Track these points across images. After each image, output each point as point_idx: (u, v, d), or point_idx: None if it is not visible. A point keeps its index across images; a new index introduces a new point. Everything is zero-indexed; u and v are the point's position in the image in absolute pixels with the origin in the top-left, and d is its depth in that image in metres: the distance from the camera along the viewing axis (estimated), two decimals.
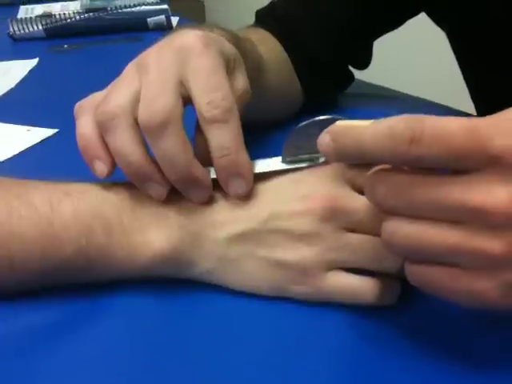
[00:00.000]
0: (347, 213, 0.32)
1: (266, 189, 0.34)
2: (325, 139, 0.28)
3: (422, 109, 0.67)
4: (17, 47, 0.94)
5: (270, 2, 0.64)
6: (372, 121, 0.26)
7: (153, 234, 0.32)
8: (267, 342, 0.32)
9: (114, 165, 0.33)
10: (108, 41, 0.95)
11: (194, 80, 0.32)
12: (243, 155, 0.33)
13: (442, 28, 0.63)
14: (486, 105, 0.65)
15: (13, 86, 0.73)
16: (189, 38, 0.33)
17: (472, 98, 0.67)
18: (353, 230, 0.32)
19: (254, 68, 0.51)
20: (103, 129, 0.32)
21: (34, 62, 0.83)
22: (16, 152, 0.53)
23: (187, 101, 0.33)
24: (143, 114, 0.31)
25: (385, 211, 0.27)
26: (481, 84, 0.64)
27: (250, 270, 0.33)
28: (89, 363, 0.30)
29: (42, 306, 0.33)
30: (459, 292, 0.26)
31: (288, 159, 0.34)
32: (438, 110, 0.67)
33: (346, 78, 0.63)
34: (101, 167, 0.33)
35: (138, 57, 0.35)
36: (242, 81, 0.36)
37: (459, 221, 0.25)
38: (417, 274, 0.28)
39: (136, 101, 0.32)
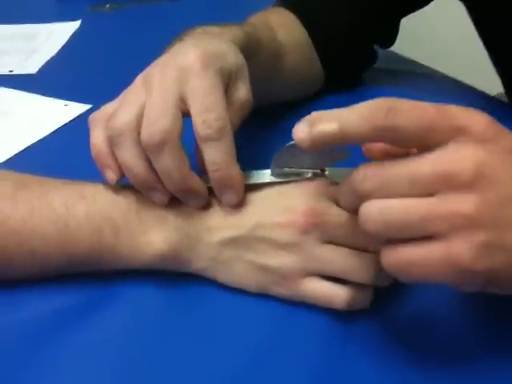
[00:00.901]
0: (326, 227, 0.35)
1: (255, 199, 0.38)
2: (300, 126, 0.31)
3: (446, 88, 0.68)
4: (60, 6, 0.97)
5: None
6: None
7: (154, 235, 0.37)
8: (249, 332, 0.37)
9: (122, 173, 0.37)
10: (148, 1, 0.97)
11: (192, 100, 0.36)
12: (234, 169, 0.36)
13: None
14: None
15: (54, 53, 0.77)
16: (189, 58, 0.36)
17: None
18: (331, 242, 0.36)
19: (272, 55, 0.53)
20: (112, 143, 0.36)
21: (76, 24, 0.87)
22: (54, 128, 0.58)
23: (188, 114, 0.37)
24: (144, 134, 0.35)
25: (363, 196, 0.30)
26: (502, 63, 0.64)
27: (238, 271, 0.37)
28: (96, 348, 0.35)
29: (54, 293, 0.38)
30: (434, 263, 0.29)
31: (277, 173, 0.37)
32: (463, 91, 0.68)
33: (369, 57, 0.64)
34: (111, 175, 0.37)
35: (145, 71, 0.38)
36: (243, 90, 0.39)
37: (431, 193, 0.29)
38: (393, 257, 0.30)
39: (141, 116, 0.36)
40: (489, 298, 0.35)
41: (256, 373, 0.35)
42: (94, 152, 0.37)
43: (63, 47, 0.79)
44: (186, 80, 0.36)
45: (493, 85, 0.69)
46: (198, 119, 0.35)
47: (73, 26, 0.86)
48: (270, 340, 0.36)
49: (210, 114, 0.35)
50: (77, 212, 0.37)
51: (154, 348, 0.36)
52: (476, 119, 0.29)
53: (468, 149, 0.29)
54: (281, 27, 0.57)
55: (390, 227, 0.30)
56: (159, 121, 0.35)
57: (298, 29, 0.60)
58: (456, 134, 0.29)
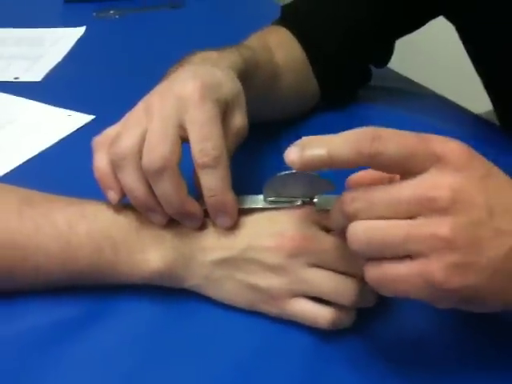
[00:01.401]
0: (312, 252, 0.38)
1: (247, 222, 0.40)
2: (292, 149, 0.33)
3: (436, 108, 0.70)
4: (66, 11, 0.99)
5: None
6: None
7: (152, 253, 0.39)
8: (239, 347, 0.39)
9: (123, 194, 0.39)
10: (151, 7, 0.99)
11: (190, 129, 0.38)
12: (229, 196, 0.38)
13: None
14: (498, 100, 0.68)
15: (59, 60, 0.79)
16: (188, 89, 0.38)
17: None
18: (317, 265, 0.38)
19: (269, 77, 0.56)
20: (115, 166, 0.38)
21: (81, 30, 0.89)
22: (57, 139, 0.60)
23: (187, 140, 0.39)
24: (145, 160, 0.37)
25: (350, 216, 0.33)
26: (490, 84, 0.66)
27: (229, 289, 0.40)
28: (94, 360, 0.38)
29: (58, 304, 0.41)
30: (411, 279, 0.31)
31: (269, 199, 0.40)
32: (452, 111, 0.70)
33: (364, 75, 0.66)
34: (112, 196, 0.39)
35: (145, 98, 0.40)
36: (239, 118, 0.42)
37: (412, 215, 0.31)
38: (375, 272, 0.33)
39: (142, 141, 0.38)
40: (469, 315, 0.37)
41: None
42: (97, 174, 0.40)
43: (68, 54, 0.81)
44: (184, 109, 0.38)
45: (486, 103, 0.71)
46: (195, 147, 0.38)
47: (78, 31, 0.88)
48: (258, 354, 0.39)
49: (207, 143, 0.37)
50: (78, 230, 0.39)
51: (148, 360, 0.38)
52: (451, 147, 0.32)
53: (445, 176, 0.31)
54: (279, 47, 0.60)
55: (373, 246, 0.32)
56: (159, 148, 0.37)
57: (296, 48, 0.62)
58: (435, 160, 0.31)
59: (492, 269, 0.31)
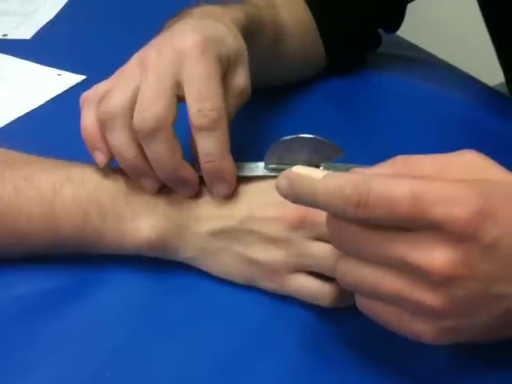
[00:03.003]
0: (315, 224, 0.35)
1: (247, 191, 0.37)
2: (282, 183, 0.30)
3: (445, 77, 0.67)
4: None
5: None
6: (325, 173, 0.28)
7: (142, 222, 0.36)
8: (235, 323, 0.37)
9: (112, 156, 0.36)
10: None
11: (188, 87, 0.35)
12: (227, 162, 0.35)
13: None
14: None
15: (51, 17, 0.75)
16: (188, 42, 0.35)
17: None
18: (320, 238, 0.35)
19: (273, 35, 0.52)
20: (103, 126, 0.35)
21: None
22: (46, 99, 0.57)
23: (184, 100, 0.36)
24: (137, 120, 0.34)
25: (340, 251, 0.30)
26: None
27: (226, 262, 0.37)
28: (80, 332, 0.35)
29: (46, 273, 0.38)
30: (400, 329, 0.29)
31: (270, 166, 0.37)
32: (462, 80, 0.66)
33: (373, 40, 0.63)
34: (100, 158, 0.36)
35: (140, 52, 0.37)
36: (242, 77, 0.38)
37: (403, 271, 0.28)
38: (365, 306, 0.30)
39: (134, 99, 0.35)
40: None
41: (239, 363, 0.35)
42: (84, 134, 0.37)
43: (61, 11, 0.77)
44: (182, 65, 0.35)
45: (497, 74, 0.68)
46: (193, 108, 0.34)
47: None
48: (254, 332, 0.36)
49: (205, 103, 0.34)
50: (63, 194, 0.36)
51: (138, 334, 0.36)
52: (457, 214, 0.25)
53: (442, 248, 0.26)
54: (284, 6, 0.56)
55: (363, 293, 0.30)
56: (153, 107, 0.34)
57: (302, 7, 0.59)
58: (431, 228, 0.26)
59: (484, 327, 0.28)
